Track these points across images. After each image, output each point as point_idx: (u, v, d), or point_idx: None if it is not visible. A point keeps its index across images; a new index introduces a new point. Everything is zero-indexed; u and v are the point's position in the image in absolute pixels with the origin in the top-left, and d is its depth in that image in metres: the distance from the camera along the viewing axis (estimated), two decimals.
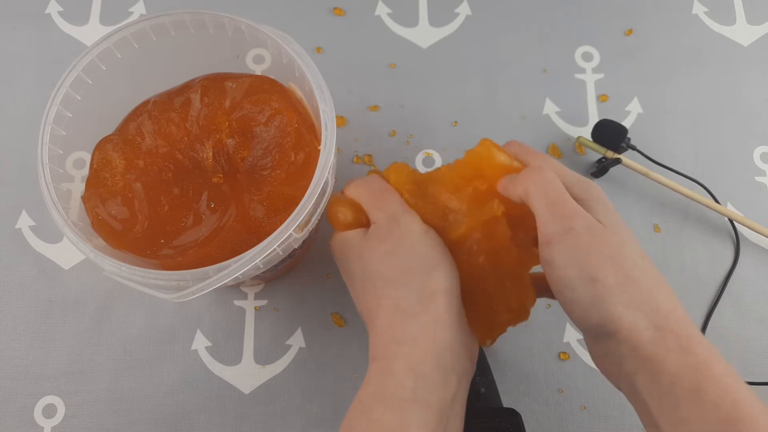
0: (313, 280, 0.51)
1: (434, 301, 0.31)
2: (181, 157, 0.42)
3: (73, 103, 0.41)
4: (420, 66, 0.57)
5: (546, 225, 0.31)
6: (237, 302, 0.50)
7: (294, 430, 0.47)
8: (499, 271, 0.35)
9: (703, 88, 0.57)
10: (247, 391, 0.48)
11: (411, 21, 0.59)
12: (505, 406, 0.43)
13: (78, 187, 0.43)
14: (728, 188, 0.54)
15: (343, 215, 0.38)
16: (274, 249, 0.35)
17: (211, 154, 0.41)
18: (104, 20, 0.58)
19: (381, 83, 0.56)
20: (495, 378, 0.45)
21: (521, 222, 0.36)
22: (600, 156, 0.53)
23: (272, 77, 0.44)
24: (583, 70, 0.58)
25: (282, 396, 0.48)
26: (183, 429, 0.47)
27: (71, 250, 0.51)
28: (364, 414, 0.30)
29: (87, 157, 0.42)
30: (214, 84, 0.43)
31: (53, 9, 0.59)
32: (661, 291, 0.31)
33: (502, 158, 0.36)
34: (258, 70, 0.53)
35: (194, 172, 0.42)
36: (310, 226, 0.38)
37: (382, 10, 0.59)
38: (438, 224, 0.36)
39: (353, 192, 0.38)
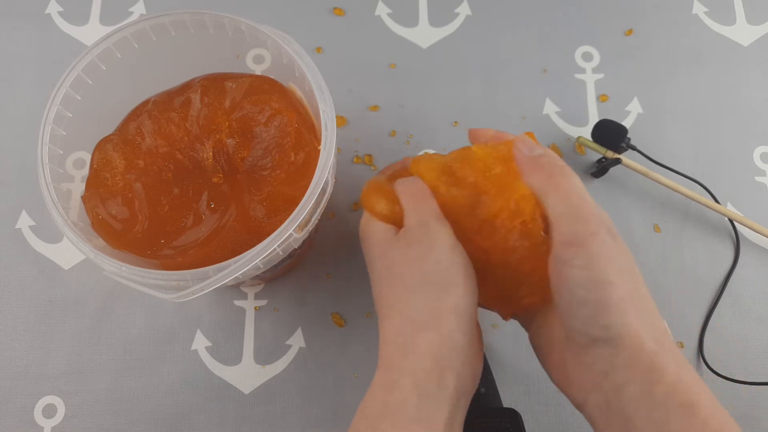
0: (313, 280, 0.51)
1: (446, 320, 0.31)
2: (181, 157, 0.42)
3: (73, 103, 0.41)
4: (420, 66, 0.57)
5: (570, 225, 0.31)
6: (237, 302, 0.50)
7: (294, 430, 0.47)
8: (528, 249, 0.35)
9: (703, 88, 0.57)
10: (247, 391, 0.48)
11: (411, 21, 0.59)
12: (505, 406, 0.43)
13: (78, 187, 0.43)
14: (728, 188, 0.54)
15: (381, 206, 0.37)
16: (274, 249, 0.35)
17: (211, 154, 0.41)
18: (104, 20, 0.58)
19: (381, 83, 0.56)
20: (495, 378, 0.45)
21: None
22: (600, 156, 0.53)
23: (272, 77, 0.44)
24: (583, 70, 0.58)
25: (282, 396, 0.48)
26: (183, 429, 0.47)
27: (71, 250, 0.51)
28: (369, 430, 0.30)
29: (87, 157, 0.42)
30: (214, 84, 0.43)
31: (53, 9, 0.59)
32: (654, 308, 0.31)
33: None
34: (258, 70, 0.53)
35: (194, 172, 0.42)
36: (310, 226, 0.38)
37: (382, 10, 0.59)
38: (470, 206, 0.36)
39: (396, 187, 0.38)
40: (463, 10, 0.59)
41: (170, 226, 0.40)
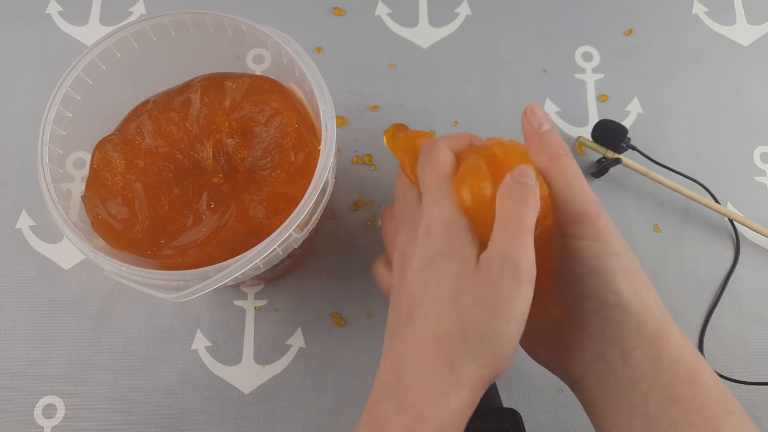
0: (313, 280, 0.51)
1: (481, 386, 0.29)
2: (181, 156, 0.42)
3: (73, 103, 0.41)
4: (420, 66, 0.57)
5: (577, 204, 0.31)
6: (237, 302, 0.50)
7: (294, 430, 0.47)
8: (546, 237, 0.34)
9: (703, 88, 0.57)
10: (247, 391, 0.48)
11: (411, 21, 0.59)
12: (505, 406, 0.43)
13: (78, 187, 0.43)
14: (728, 188, 0.54)
15: (484, 190, 0.31)
16: (274, 249, 0.35)
17: (211, 154, 0.41)
18: (104, 20, 0.58)
19: (381, 83, 0.56)
20: None
21: None
22: (600, 156, 0.53)
23: (272, 77, 0.44)
24: (583, 70, 0.58)
25: (282, 396, 0.48)
26: (183, 429, 0.47)
27: (71, 250, 0.51)
28: None
29: (87, 157, 0.42)
30: (214, 84, 0.43)
31: (53, 9, 0.59)
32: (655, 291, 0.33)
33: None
34: (258, 70, 0.53)
35: (194, 172, 0.42)
36: (310, 226, 0.38)
37: (382, 10, 0.59)
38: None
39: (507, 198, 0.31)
40: (463, 10, 0.59)
41: (170, 226, 0.40)
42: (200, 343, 0.49)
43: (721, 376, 0.48)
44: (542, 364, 0.36)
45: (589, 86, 0.57)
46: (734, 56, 0.59)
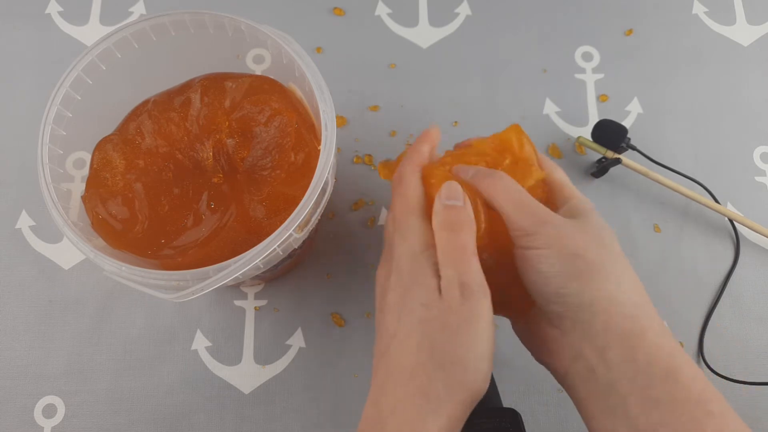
0: (313, 280, 0.51)
1: (458, 411, 0.29)
2: (181, 156, 0.42)
3: (73, 103, 0.41)
4: (420, 66, 0.57)
5: (521, 219, 0.32)
6: (237, 302, 0.50)
7: (294, 430, 0.47)
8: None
9: (703, 88, 0.57)
10: (247, 391, 0.48)
11: (411, 21, 0.59)
12: (505, 406, 0.43)
13: (78, 187, 0.43)
14: (728, 188, 0.54)
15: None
16: (274, 249, 0.35)
17: (211, 154, 0.41)
18: (104, 20, 0.58)
19: (381, 83, 0.56)
20: (495, 378, 0.45)
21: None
22: (600, 156, 0.53)
23: (272, 77, 0.44)
24: (583, 70, 0.58)
25: (282, 396, 0.48)
26: (183, 429, 0.47)
27: (71, 250, 0.51)
28: None
29: (87, 157, 0.42)
30: (214, 84, 0.43)
31: (53, 9, 0.59)
32: (638, 284, 0.32)
33: (528, 148, 0.37)
34: (258, 70, 0.53)
35: (194, 172, 0.42)
36: (310, 226, 0.38)
37: (382, 10, 0.59)
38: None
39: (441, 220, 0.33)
40: (463, 10, 0.59)
41: (170, 226, 0.40)
42: (200, 343, 0.49)
43: (720, 376, 0.48)
44: (539, 362, 0.36)
45: (589, 86, 0.57)
46: (734, 56, 0.59)
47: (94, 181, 0.41)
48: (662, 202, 0.54)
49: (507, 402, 0.47)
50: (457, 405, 0.29)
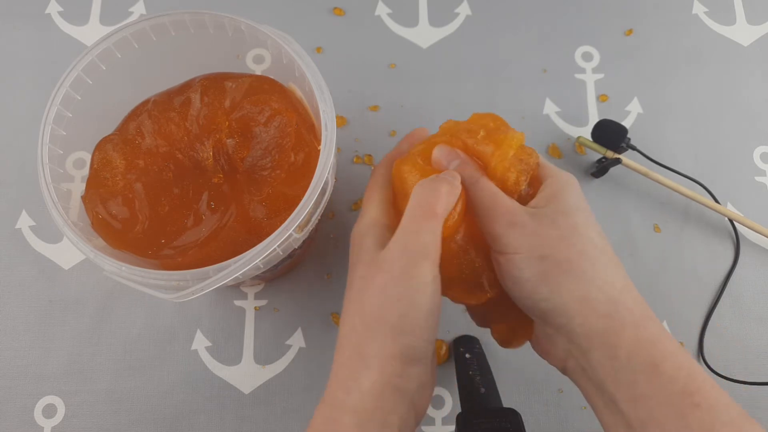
0: (313, 280, 0.51)
1: (391, 366, 0.30)
2: (181, 156, 0.42)
3: (73, 103, 0.41)
4: (420, 66, 0.57)
5: (488, 225, 0.32)
6: (237, 302, 0.50)
7: (294, 430, 0.47)
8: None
9: (703, 88, 0.57)
10: (247, 391, 0.48)
11: (411, 21, 0.59)
12: (505, 406, 0.43)
13: (78, 187, 0.43)
14: (728, 188, 0.54)
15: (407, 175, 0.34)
16: (274, 249, 0.35)
17: (211, 153, 0.41)
18: (104, 20, 0.58)
19: (381, 83, 0.56)
20: (495, 378, 0.45)
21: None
22: (600, 156, 0.53)
23: (272, 77, 0.44)
24: (583, 70, 0.58)
25: (282, 396, 0.48)
26: (183, 429, 0.47)
27: (71, 250, 0.51)
28: None
29: (87, 157, 0.42)
30: (214, 84, 0.43)
31: (53, 9, 0.59)
32: (616, 268, 0.31)
33: (502, 121, 0.36)
34: (258, 70, 0.53)
35: (194, 172, 0.42)
36: (310, 226, 0.38)
37: (382, 10, 0.59)
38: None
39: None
40: (463, 10, 0.59)
41: (170, 226, 0.40)
42: (200, 343, 0.49)
43: (720, 376, 0.48)
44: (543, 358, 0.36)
45: (589, 86, 0.57)
46: (734, 56, 0.59)
47: (94, 181, 0.41)
48: (662, 202, 0.54)
49: (507, 402, 0.47)
50: (388, 360, 0.29)
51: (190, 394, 0.48)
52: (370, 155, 0.54)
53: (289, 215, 0.36)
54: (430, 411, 0.48)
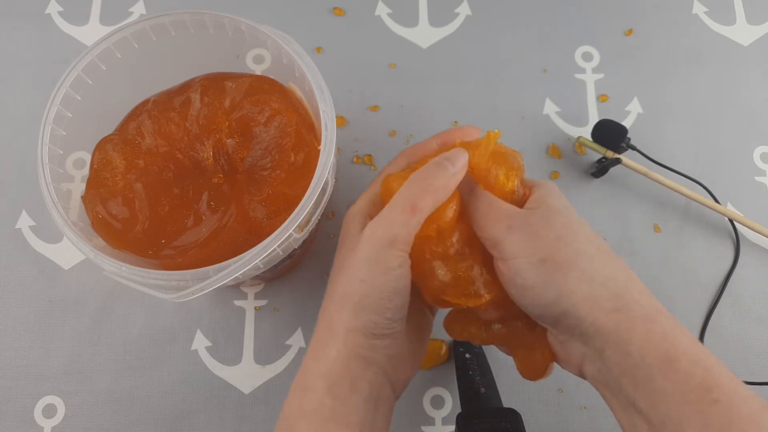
0: (313, 280, 0.51)
1: (353, 338, 0.31)
2: (181, 156, 0.42)
3: (73, 103, 0.41)
4: (420, 66, 0.57)
5: (487, 230, 0.32)
6: (237, 302, 0.50)
7: None
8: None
9: (703, 88, 0.57)
10: (247, 391, 0.48)
11: (411, 21, 0.59)
12: (505, 406, 0.43)
13: (78, 187, 0.43)
14: (728, 188, 0.54)
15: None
16: (274, 249, 0.35)
17: (211, 153, 0.41)
18: (104, 20, 0.58)
19: (381, 83, 0.56)
20: (495, 378, 0.45)
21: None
22: (600, 156, 0.53)
23: (272, 77, 0.44)
24: (583, 70, 0.58)
25: (282, 396, 0.48)
26: (183, 429, 0.47)
27: (71, 250, 0.51)
28: (288, 431, 0.31)
29: (87, 157, 0.42)
30: (214, 83, 0.43)
31: (53, 9, 0.59)
32: (616, 263, 0.31)
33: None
34: (258, 70, 0.53)
35: (194, 172, 0.42)
36: (310, 226, 0.38)
37: (382, 10, 0.59)
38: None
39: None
40: (463, 10, 0.59)
41: (170, 226, 0.40)
42: (200, 343, 0.49)
43: None
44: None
45: (589, 86, 0.57)
46: (734, 56, 0.59)
47: (94, 181, 0.41)
48: (662, 202, 0.54)
49: (507, 402, 0.47)
50: (351, 333, 0.31)
51: (190, 394, 0.48)
52: (370, 155, 0.54)
53: (289, 215, 0.36)
54: (430, 411, 0.48)
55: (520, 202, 0.34)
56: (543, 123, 0.56)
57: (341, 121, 0.55)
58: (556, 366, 0.49)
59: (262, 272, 0.39)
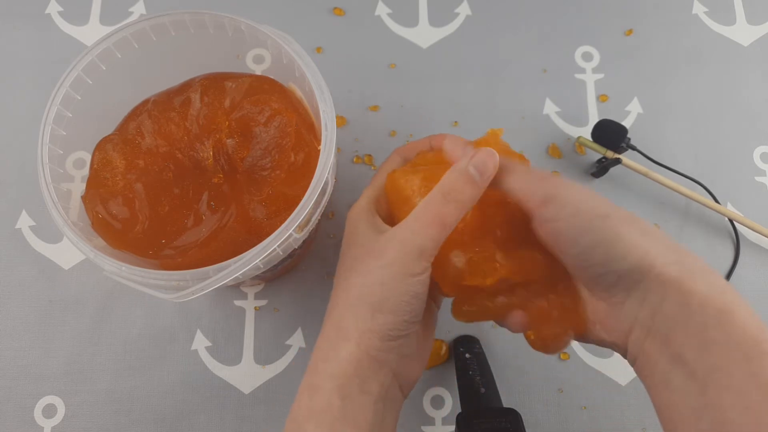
0: (313, 280, 0.51)
1: (368, 339, 0.31)
2: (181, 156, 0.42)
3: (73, 103, 0.41)
4: (420, 66, 0.57)
5: (535, 188, 0.32)
6: (237, 302, 0.50)
7: None
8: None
9: (703, 88, 0.57)
10: (247, 391, 0.48)
11: (411, 21, 0.59)
12: (505, 406, 0.43)
13: (78, 187, 0.43)
14: (728, 188, 0.54)
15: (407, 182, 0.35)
16: (274, 249, 0.35)
17: (211, 153, 0.41)
18: (104, 20, 0.58)
19: (381, 83, 0.56)
20: (495, 378, 0.45)
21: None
22: (600, 156, 0.53)
23: (272, 77, 0.44)
24: (583, 70, 0.58)
25: (282, 396, 0.48)
26: (183, 429, 0.47)
27: (71, 250, 0.51)
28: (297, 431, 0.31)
29: (87, 157, 0.42)
30: (214, 83, 0.43)
31: (53, 9, 0.59)
32: (661, 232, 0.32)
33: (504, 145, 0.37)
34: (258, 70, 0.53)
35: (194, 172, 0.42)
36: (310, 226, 0.38)
37: (382, 10, 0.59)
38: None
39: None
40: (463, 10, 0.59)
41: (170, 226, 0.40)
42: (200, 343, 0.49)
43: None
44: (597, 344, 0.35)
45: (589, 86, 0.57)
46: (734, 56, 0.59)
47: (94, 181, 0.41)
48: (662, 202, 0.54)
49: (507, 402, 0.47)
50: (365, 333, 0.31)
51: (190, 394, 0.48)
52: (370, 155, 0.54)
53: (289, 215, 0.36)
54: (430, 411, 0.48)
55: None
56: (543, 123, 0.56)
57: (341, 121, 0.55)
58: (555, 366, 0.49)
59: (262, 272, 0.39)
